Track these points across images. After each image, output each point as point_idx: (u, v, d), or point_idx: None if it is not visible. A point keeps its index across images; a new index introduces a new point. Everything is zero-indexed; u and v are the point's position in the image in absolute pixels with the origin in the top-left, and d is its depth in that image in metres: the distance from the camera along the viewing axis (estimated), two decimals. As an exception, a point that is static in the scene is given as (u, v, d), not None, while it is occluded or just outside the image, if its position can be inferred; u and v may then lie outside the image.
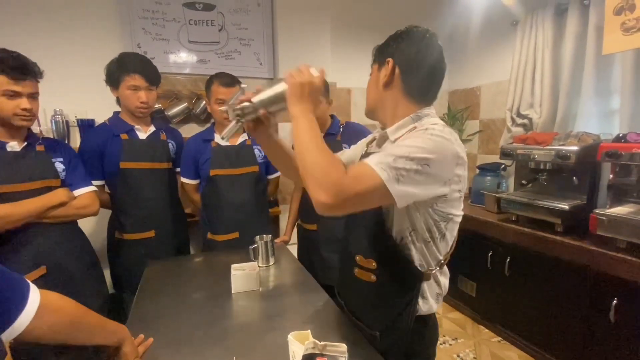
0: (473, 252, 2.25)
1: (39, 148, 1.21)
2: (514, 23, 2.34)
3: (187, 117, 2.07)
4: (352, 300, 0.97)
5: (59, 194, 1.19)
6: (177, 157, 1.64)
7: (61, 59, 1.82)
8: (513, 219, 2.02)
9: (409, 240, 0.79)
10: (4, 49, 1.10)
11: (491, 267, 2.11)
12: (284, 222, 2.32)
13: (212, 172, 1.54)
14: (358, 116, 2.68)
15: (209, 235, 1.63)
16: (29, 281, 0.59)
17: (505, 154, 2.09)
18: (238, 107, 0.84)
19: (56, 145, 1.29)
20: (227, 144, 1.59)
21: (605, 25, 1.58)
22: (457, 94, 2.98)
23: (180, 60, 2.05)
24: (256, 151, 1.66)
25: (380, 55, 0.85)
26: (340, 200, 0.64)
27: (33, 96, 1.14)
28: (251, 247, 1.34)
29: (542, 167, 1.92)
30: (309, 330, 0.64)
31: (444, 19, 2.74)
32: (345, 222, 0.96)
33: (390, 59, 0.81)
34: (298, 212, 1.85)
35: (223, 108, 0.91)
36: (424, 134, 0.71)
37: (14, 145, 1.14)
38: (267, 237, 1.39)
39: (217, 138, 1.58)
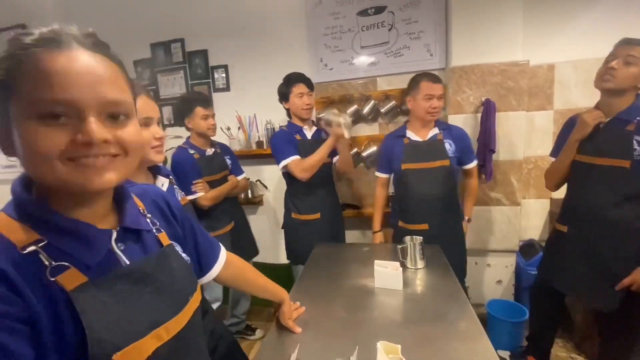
0: None
1: (218, 151, 1.93)
2: None
3: (357, 118, 2.25)
4: None
5: (233, 181, 1.93)
6: (335, 151, 1.84)
7: (270, 80, 2.37)
8: None
9: None
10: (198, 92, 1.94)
11: None
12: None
13: (404, 166, 1.68)
14: (564, 98, 2.07)
15: (400, 223, 1.77)
16: (219, 242, 0.84)
17: None
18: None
19: (226, 148, 2.04)
20: (419, 139, 1.69)
21: None
22: None
23: (354, 66, 2.25)
24: (447, 145, 1.66)
25: None
26: None
27: (214, 117, 1.84)
28: (399, 247, 1.34)
29: None
30: (399, 346, 0.60)
31: None
32: None
33: None
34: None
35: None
36: None
37: (209, 151, 1.88)
38: (418, 239, 1.35)
39: (409, 134, 1.72)
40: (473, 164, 1.76)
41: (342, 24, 2.21)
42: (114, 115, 0.45)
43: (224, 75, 2.48)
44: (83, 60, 0.42)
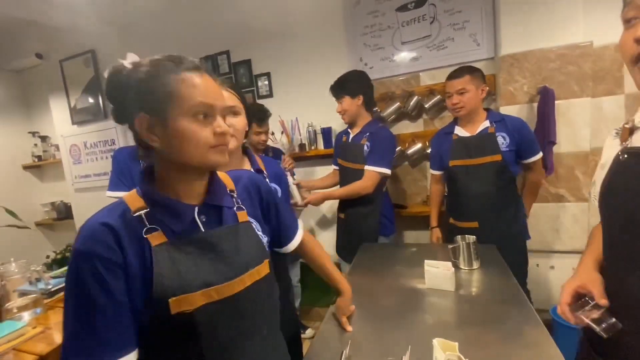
0: None
1: (270, 154, 2.04)
2: None
3: (400, 115, 2.20)
4: None
5: None
6: (369, 156, 1.75)
7: (311, 84, 2.43)
8: None
9: None
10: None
11: None
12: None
13: (451, 163, 1.65)
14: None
15: (451, 220, 1.74)
16: (298, 224, 0.93)
17: None
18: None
19: (278, 152, 2.08)
20: (467, 134, 1.64)
21: None
22: None
23: (394, 63, 2.21)
24: (500, 139, 1.56)
25: None
26: None
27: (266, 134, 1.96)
28: (450, 246, 1.29)
29: None
30: (457, 343, 0.57)
31: None
32: None
33: None
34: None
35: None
36: None
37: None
38: (471, 238, 1.28)
39: (458, 130, 1.67)
40: (535, 157, 1.61)
41: (382, 22, 2.18)
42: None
43: (267, 82, 2.58)
44: (212, 81, 0.62)
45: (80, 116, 3.17)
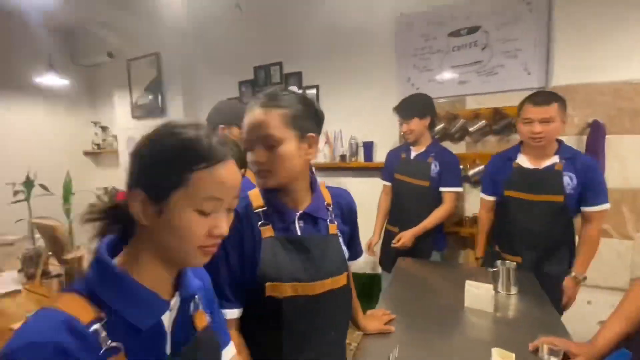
0: None
1: None
2: None
3: (443, 135, 2.26)
4: None
5: None
6: (439, 177, 1.80)
7: (356, 99, 2.55)
8: None
9: None
10: None
11: None
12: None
13: (507, 193, 1.52)
14: (696, 121, 1.80)
15: (496, 247, 1.64)
16: (361, 252, 1.01)
17: None
18: None
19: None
20: (531, 166, 1.48)
21: None
22: None
23: (441, 85, 2.27)
24: (566, 178, 1.39)
25: None
26: None
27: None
28: (491, 270, 1.33)
29: None
30: (514, 354, 0.63)
31: None
32: None
33: None
34: None
35: None
36: None
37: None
38: (512, 264, 1.33)
39: (521, 159, 1.52)
40: (598, 208, 1.40)
41: (432, 45, 2.26)
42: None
43: (315, 93, 2.72)
44: None
45: (139, 111, 3.46)
